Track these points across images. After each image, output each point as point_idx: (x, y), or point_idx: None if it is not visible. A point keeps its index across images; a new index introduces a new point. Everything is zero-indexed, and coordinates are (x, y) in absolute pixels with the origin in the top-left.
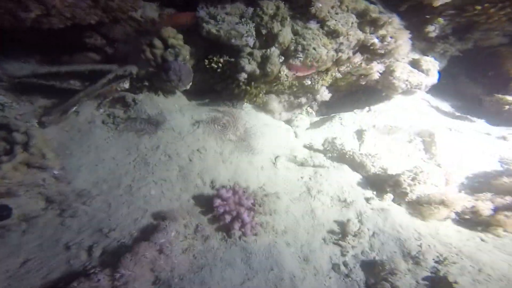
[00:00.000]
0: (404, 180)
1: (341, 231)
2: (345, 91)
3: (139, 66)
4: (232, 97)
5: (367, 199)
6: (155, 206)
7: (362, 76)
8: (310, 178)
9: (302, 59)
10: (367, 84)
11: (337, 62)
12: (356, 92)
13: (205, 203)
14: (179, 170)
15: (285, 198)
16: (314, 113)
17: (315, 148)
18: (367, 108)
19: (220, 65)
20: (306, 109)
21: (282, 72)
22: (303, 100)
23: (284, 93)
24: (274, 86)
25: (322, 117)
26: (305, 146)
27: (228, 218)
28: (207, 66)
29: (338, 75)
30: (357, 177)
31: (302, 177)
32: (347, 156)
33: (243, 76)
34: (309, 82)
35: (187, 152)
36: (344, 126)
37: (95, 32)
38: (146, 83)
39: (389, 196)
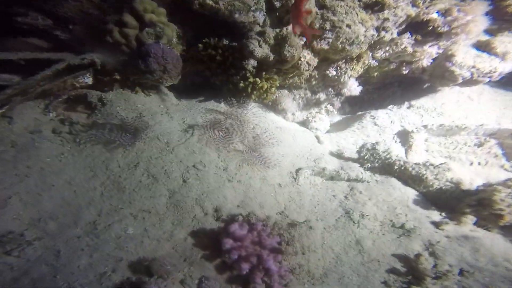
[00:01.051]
0: (501, 199)
1: (409, 270)
2: (375, 84)
3: (106, 53)
4: (236, 94)
5: (436, 224)
6: (134, 252)
7: (405, 64)
8: (346, 197)
9: (331, 40)
10: (409, 73)
11: (375, 45)
12: (390, 85)
13: (209, 241)
14: (170, 196)
15: (319, 226)
16: (335, 112)
17: (346, 156)
18: (406, 104)
19: (220, 50)
20: (325, 107)
21: (302, 59)
22: (322, 96)
23: (300, 88)
24: (289, 78)
25: (345, 116)
26: (332, 154)
27: (245, 267)
28: (202, 53)
29: (373, 63)
30: (412, 193)
31: (334, 196)
32: (396, 167)
33: (252, 63)
34: (334, 73)
35: (180, 170)
36: (380, 126)
37: (33, 8)
38: (117, 76)
39: (469, 219)
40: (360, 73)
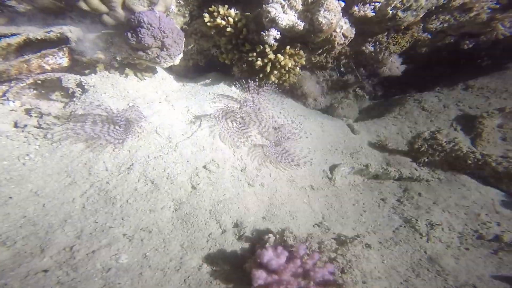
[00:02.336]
0: None
1: None
2: (419, 62)
3: (84, 26)
4: (251, 74)
5: None
6: None
7: (468, 37)
8: (400, 201)
9: (380, 4)
10: (468, 49)
11: (431, 14)
12: (437, 63)
13: (232, 270)
14: (175, 208)
15: (373, 241)
16: (366, 96)
17: (391, 148)
18: (461, 85)
19: (232, 19)
20: (354, 90)
21: (338, 30)
22: (351, 77)
23: (325, 68)
24: (317, 55)
25: (376, 101)
26: (372, 146)
27: None
28: (209, 25)
29: (424, 36)
30: (497, 194)
31: (384, 200)
32: (471, 161)
33: (273, 35)
34: (371, 49)
35: (187, 173)
36: (430, 111)
37: None
38: (101, 56)
39: None
40: (404, 49)
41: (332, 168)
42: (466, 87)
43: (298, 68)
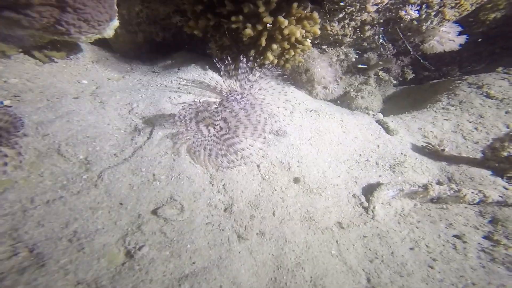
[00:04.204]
0: None
1: None
2: (474, 35)
3: None
4: (237, 51)
5: None
6: None
7: None
8: (490, 238)
9: None
10: None
11: None
12: (501, 36)
13: None
14: None
15: None
16: (393, 81)
17: (450, 154)
18: None
19: None
20: (378, 74)
21: None
22: (373, 56)
23: (340, 44)
24: (337, 20)
25: (404, 87)
26: (421, 152)
27: None
28: None
29: None
30: None
31: (461, 238)
32: None
33: None
34: (415, 14)
35: (118, 229)
36: (502, 100)
37: None
38: None
39: None
40: (465, 13)
41: (367, 191)
42: None
43: (308, 40)
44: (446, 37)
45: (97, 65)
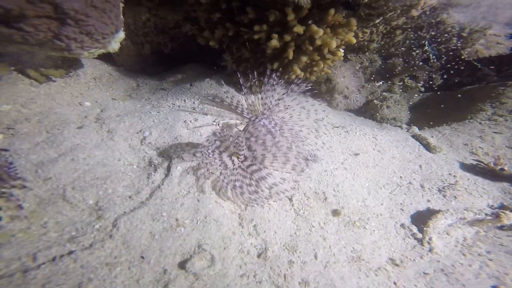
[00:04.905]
0: None
1: None
2: None
3: None
4: (256, 64)
5: None
6: None
7: None
8: None
9: None
10: None
11: None
12: None
13: None
14: None
15: None
16: (422, 89)
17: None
18: None
19: None
20: (405, 81)
21: None
22: (399, 62)
23: (366, 50)
24: (371, 26)
25: (430, 93)
26: (472, 171)
27: None
28: None
29: None
30: None
31: None
32: None
33: None
34: (459, 17)
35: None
36: None
37: None
38: None
39: None
40: None
41: (418, 219)
42: None
43: (342, 51)
44: (494, 41)
45: (100, 83)
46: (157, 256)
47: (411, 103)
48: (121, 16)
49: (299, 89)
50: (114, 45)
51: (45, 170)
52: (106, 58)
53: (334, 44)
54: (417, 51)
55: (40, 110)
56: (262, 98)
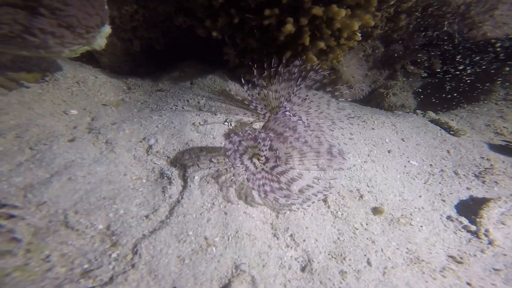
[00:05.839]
0: None
1: None
2: None
3: None
4: (264, 55)
5: None
6: None
7: None
8: None
9: None
10: None
11: None
12: None
13: None
14: None
15: None
16: (421, 74)
17: None
18: None
19: None
20: (406, 68)
21: None
22: (399, 48)
23: (370, 36)
24: (384, 9)
25: (431, 80)
26: (502, 152)
27: None
28: None
29: None
30: None
31: None
32: None
33: None
34: None
35: None
36: None
37: None
38: None
39: None
40: None
41: (463, 209)
42: None
43: (359, 34)
44: (502, 21)
45: (85, 87)
46: (192, 285)
47: (414, 89)
48: (106, 6)
49: (316, 76)
50: (100, 41)
51: (37, 194)
52: (87, 59)
53: (356, 26)
54: (420, 35)
55: (16, 122)
56: (276, 91)
